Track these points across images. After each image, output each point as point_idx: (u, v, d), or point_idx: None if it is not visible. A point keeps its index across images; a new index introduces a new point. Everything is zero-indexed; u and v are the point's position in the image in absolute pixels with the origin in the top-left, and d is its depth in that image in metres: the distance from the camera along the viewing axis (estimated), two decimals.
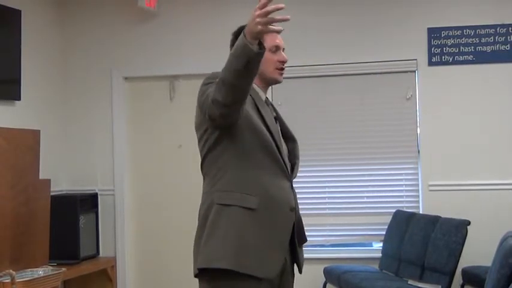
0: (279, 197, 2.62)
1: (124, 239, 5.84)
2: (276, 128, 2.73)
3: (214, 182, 2.61)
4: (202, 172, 2.72)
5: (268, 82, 2.78)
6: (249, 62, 2.33)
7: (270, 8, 2.29)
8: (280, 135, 2.76)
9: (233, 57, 2.37)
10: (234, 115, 2.49)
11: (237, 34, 2.64)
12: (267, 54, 2.63)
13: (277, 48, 2.73)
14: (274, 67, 2.73)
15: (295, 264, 2.78)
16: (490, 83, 5.36)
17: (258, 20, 2.30)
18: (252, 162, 2.59)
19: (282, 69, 2.76)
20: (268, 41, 2.67)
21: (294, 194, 2.74)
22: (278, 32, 2.41)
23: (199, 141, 2.68)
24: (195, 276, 2.66)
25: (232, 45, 2.67)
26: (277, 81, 2.78)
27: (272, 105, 2.85)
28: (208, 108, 2.49)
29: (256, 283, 2.53)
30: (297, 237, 2.71)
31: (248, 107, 2.60)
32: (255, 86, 2.71)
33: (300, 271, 2.78)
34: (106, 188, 5.85)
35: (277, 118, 2.82)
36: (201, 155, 2.69)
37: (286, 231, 2.65)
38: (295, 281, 2.79)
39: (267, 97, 2.82)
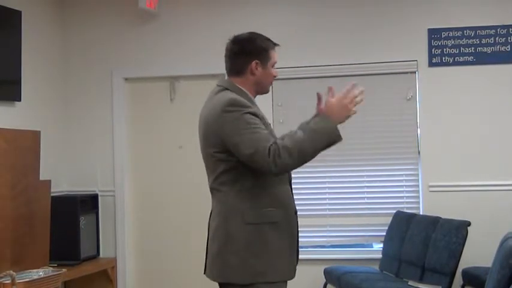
0: (289, 203, 2.83)
1: (124, 239, 5.84)
2: (273, 133, 2.83)
3: (240, 198, 2.73)
4: (214, 176, 2.78)
5: (261, 92, 2.93)
6: (331, 145, 2.61)
7: (357, 92, 2.65)
8: None
9: (319, 136, 2.60)
10: None
11: (247, 44, 2.83)
12: (271, 70, 2.88)
13: (275, 65, 2.92)
14: (270, 82, 2.92)
15: None
16: (490, 84, 5.36)
17: (350, 106, 2.64)
18: (271, 177, 2.73)
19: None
20: (273, 58, 2.89)
21: (293, 195, 2.92)
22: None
23: (215, 152, 2.73)
24: (222, 286, 2.83)
25: (256, 49, 2.82)
26: (266, 93, 2.97)
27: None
28: (263, 160, 2.58)
29: (283, 284, 2.80)
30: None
31: (261, 117, 2.76)
32: (249, 94, 2.86)
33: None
34: (106, 189, 5.85)
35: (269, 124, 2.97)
36: (216, 165, 2.75)
37: (296, 233, 2.87)
38: (296, 282, 2.91)
39: None
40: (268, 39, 2.89)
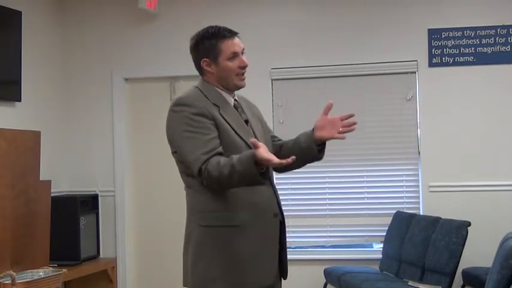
0: (261, 205, 2.61)
1: (124, 240, 5.84)
2: (245, 130, 2.69)
3: (197, 200, 2.64)
4: (180, 177, 2.77)
5: (231, 89, 2.75)
6: (249, 185, 2.48)
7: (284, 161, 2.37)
8: (255, 135, 2.71)
9: (240, 177, 2.42)
10: None
11: (193, 43, 2.74)
12: (226, 63, 2.67)
13: (235, 55, 2.70)
14: (234, 74, 2.71)
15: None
16: (490, 84, 5.36)
17: (270, 164, 2.38)
18: None
19: (243, 74, 2.73)
20: (226, 50, 2.67)
21: (277, 196, 2.72)
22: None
23: (172, 152, 2.76)
24: None
25: (201, 49, 2.71)
26: (239, 87, 2.75)
27: (242, 108, 2.81)
28: (194, 173, 2.56)
29: None
30: (280, 241, 2.70)
31: (216, 117, 2.61)
32: (222, 92, 2.72)
33: (286, 276, 2.77)
34: (106, 189, 5.85)
35: (249, 121, 2.78)
36: (178, 166, 2.76)
37: (274, 238, 2.66)
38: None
39: (236, 100, 2.79)
40: (219, 30, 2.69)
